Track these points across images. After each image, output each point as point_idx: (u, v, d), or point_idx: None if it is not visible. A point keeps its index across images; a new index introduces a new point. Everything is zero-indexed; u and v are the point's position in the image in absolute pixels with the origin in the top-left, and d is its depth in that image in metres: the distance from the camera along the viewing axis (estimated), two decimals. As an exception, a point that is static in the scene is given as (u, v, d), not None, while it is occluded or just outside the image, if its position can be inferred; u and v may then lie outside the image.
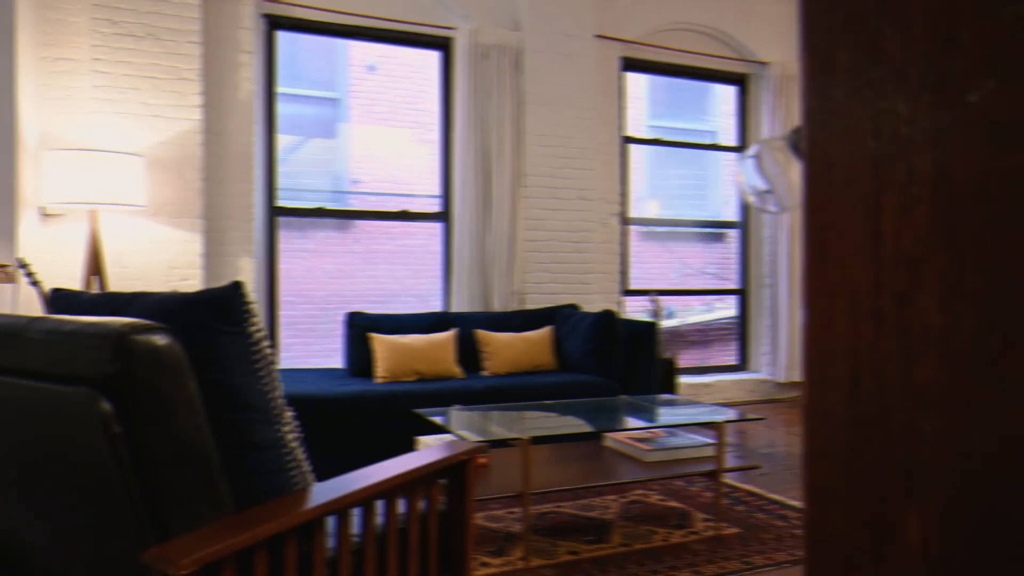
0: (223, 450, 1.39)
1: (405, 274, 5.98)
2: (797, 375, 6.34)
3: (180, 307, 1.40)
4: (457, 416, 3.01)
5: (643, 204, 6.66)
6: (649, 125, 6.92)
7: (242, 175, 4.53)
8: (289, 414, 1.51)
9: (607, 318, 4.41)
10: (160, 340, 1.27)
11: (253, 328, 1.42)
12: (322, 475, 3.63)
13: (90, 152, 3.72)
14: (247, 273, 4.56)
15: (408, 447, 3.77)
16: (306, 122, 5.92)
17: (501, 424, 2.92)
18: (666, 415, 3.20)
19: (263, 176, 4.84)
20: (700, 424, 2.99)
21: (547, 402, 3.50)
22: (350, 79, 6.22)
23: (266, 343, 1.46)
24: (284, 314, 5.41)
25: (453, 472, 1.81)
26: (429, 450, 1.78)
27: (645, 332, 4.48)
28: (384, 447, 3.72)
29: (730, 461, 3.16)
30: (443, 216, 5.47)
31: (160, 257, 4.21)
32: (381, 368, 4.13)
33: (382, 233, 6.00)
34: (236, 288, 1.42)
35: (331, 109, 6.24)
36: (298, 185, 5.63)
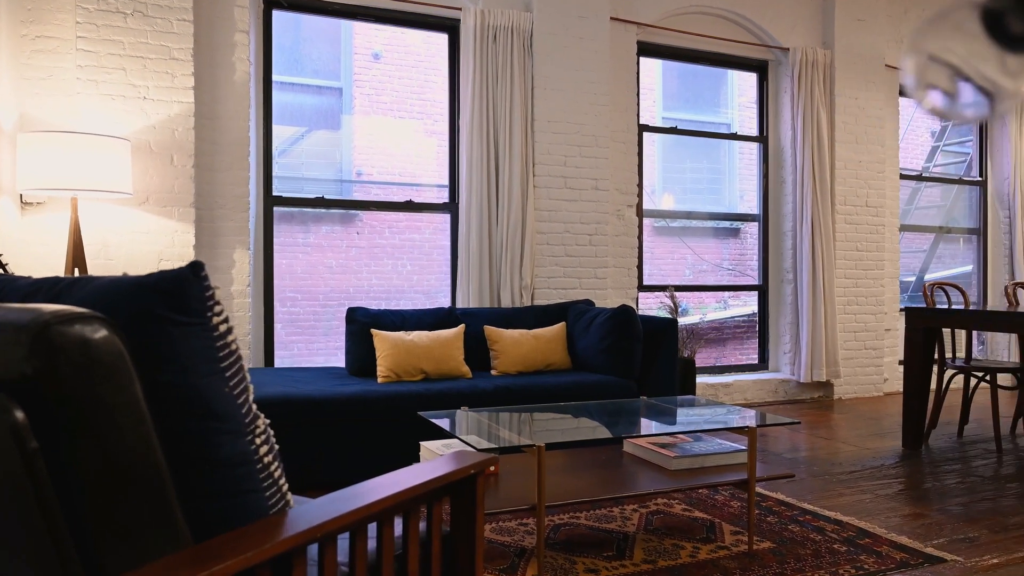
0: (180, 468, 1.14)
1: (411, 269, 5.76)
2: (820, 374, 6.06)
3: (126, 293, 1.14)
4: (464, 419, 2.75)
5: (656, 197, 6.39)
6: (663, 117, 6.66)
7: (236, 162, 4.28)
8: (263, 422, 1.25)
9: (624, 314, 4.14)
10: (93, 332, 1.02)
11: (217, 319, 1.16)
12: (317, 485, 3.39)
13: (69, 135, 3.47)
14: (242, 266, 4.31)
15: (412, 453, 3.52)
16: (309, 112, 5.68)
17: (512, 428, 2.66)
18: (691, 419, 2.93)
19: (259, 164, 4.59)
20: (730, 429, 2.72)
21: (561, 404, 3.24)
22: (354, 68, 5.99)
23: (233, 337, 1.20)
24: (286, 311, 5.19)
25: (459, 488, 1.55)
26: (432, 463, 1.52)
27: (664, 329, 4.21)
28: (386, 453, 3.47)
29: (758, 469, 2.90)
30: (449, 207, 5.21)
31: (148, 248, 3.96)
32: (383, 367, 3.87)
33: (387, 227, 5.78)
34: (195, 270, 1.16)
35: (335, 99, 6.01)
36: (300, 176, 5.40)
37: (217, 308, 1.16)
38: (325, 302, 5.55)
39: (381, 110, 5.92)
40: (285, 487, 1.26)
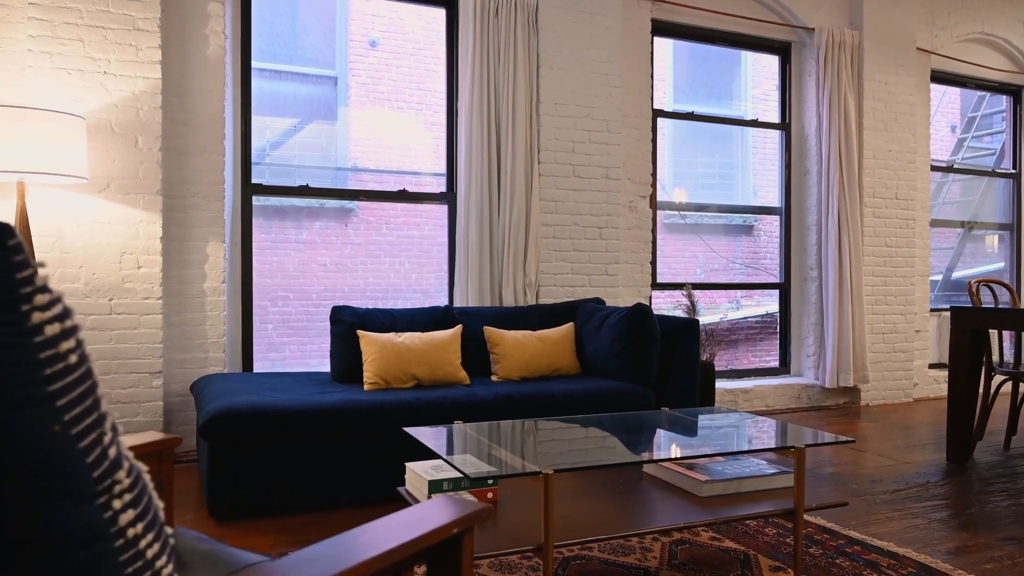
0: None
1: (410, 268, 5.38)
2: (847, 379, 5.62)
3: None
4: (458, 436, 2.32)
5: (667, 191, 5.97)
6: (673, 108, 6.23)
7: (210, 146, 3.86)
8: (132, 474, 0.83)
9: (640, 313, 3.71)
10: None
11: (40, 316, 0.74)
12: (290, 510, 2.96)
13: (13, 109, 3.05)
14: (216, 260, 3.89)
15: (401, 472, 3.10)
16: (302, 102, 5.28)
17: (513, 447, 2.24)
18: (723, 435, 2.51)
19: (236, 148, 4.17)
20: (776, 450, 2.30)
21: (570, 417, 2.82)
22: (350, 56, 5.59)
23: (74, 347, 0.77)
24: (278, 311, 4.82)
25: (439, 552, 1.13)
26: (402, 517, 1.10)
27: (683, 330, 3.78)
28: (371, 473, 3.05)
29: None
30: (447, 197, 4.79)
31: (109, 241, 3.55)
32: (370, 373, 3.45)
33: (384, 223, 5.40)
34: None
35: (329, 88, 5.61)
36: (291, 165, 5.01)
37: (40, 299, 0.74)
38: (318, 301, 5.17)
39: (378, 101, 5.53)
40: (163, 567, 0.84)
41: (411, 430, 2.33)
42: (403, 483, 3.13)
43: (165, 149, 3.72)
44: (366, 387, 3.43)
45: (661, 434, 2.59)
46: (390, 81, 5.60)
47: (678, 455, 2.27)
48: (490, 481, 2.28)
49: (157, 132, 3.62)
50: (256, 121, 4.48)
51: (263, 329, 4.99)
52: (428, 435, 2.31)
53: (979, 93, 7.29)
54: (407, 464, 2.34)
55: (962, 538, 2.89)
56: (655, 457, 2.23)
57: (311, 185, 4.51)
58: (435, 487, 2.16)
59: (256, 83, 4.41)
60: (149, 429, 3.61)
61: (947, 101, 7.31)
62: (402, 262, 5.38)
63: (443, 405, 3.20)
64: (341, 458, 3.01)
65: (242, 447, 2.84)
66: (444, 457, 2.01)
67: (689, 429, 2.65)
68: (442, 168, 4.90)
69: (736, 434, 2.56)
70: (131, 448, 1.70)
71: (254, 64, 4.40)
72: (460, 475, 2.18)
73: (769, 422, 2.73)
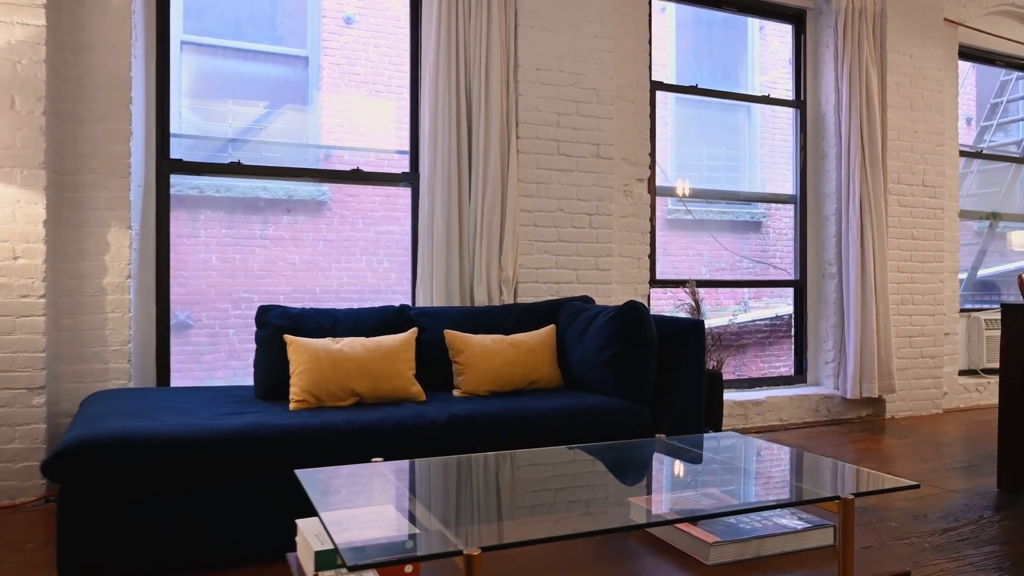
0: None
1: (388, 267, 4.79)
2: (871, 389, 4.94)
3: None
4: (371, 482, 1.66)
5: (670, 178, 5.31)
6: (675, 81, 5.58)
7: (113, 112, 3.19)
8: None
9: (632, 312, 3.04)
10: None
11: None
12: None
13: None
14: (120, 250, 3.22)
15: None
16: (270, 85, 4.68)
17: (445, 499, 1.58)
18: (738, 477, 1.85)
19: (150, 115, 3.51)
20: (816, 502, 1.64)
21: (539, 451, 2.15)
22: (323, 34, 5.00)
23: None
24: (239, 314, 4.31)
25: None
26: None
27: (686, 334, 3.11)
28: (276, 525, 2.37)
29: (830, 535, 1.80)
30: (409, 177, 4.12)
31: (-22, 224, 2.88)
32: (298, 387, 2.78)
33: (360, 217, 4.84)
34: None
35: (300, 70, 4.98)
36: (257, 155, 4.44)
37: None
38: (286, 304, 4.61)
39: (354, 83, 4.93)
40: None
41: (302, 473, 1.66)
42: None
43: (52, 113, 3.05)
44: (292, 406, 2.76)
45: (656, 475, 1.92)
46: (367, 62, 5.00)
47: (674, 514, 1.60)
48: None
49: (40, 92, 2.96)
50: (219, 105, 3.92)
51: (222, 335, 4.43)
52: (322, 481, 1.64)
53: (1003, 78, 6.64)
54: (297, 521, 1.67)
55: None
56: (645, 518, 1.56)
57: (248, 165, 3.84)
58: (324, 561, 1.49)
59: (214, 61, 3.80)
60: (27, 459, 2.94)
61: (962, 92, 6.65)
62: (381, 260, 4.81)
63: (383, 430, 2.53)
64: (240, 503, 2.33)
65: (102, 490, 2.16)
66: (323, 522, 1.33)
67: (692, 466, 1.98)
68: (405, 145, 4.24)
69: (755, 474, 1.89)
70: None
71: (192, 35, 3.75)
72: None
73: (797, 454, 2.05)
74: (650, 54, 4.56)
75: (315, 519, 1.67)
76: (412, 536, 1.32)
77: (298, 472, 1.65)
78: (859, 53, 4.99)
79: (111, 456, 2.14)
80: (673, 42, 5.79)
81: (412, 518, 1.42)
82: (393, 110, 4.77)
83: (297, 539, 1.68)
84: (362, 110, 4.73)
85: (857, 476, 1.85)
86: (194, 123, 4.29)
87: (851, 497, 1.65)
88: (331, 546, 1.51)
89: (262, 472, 2.35)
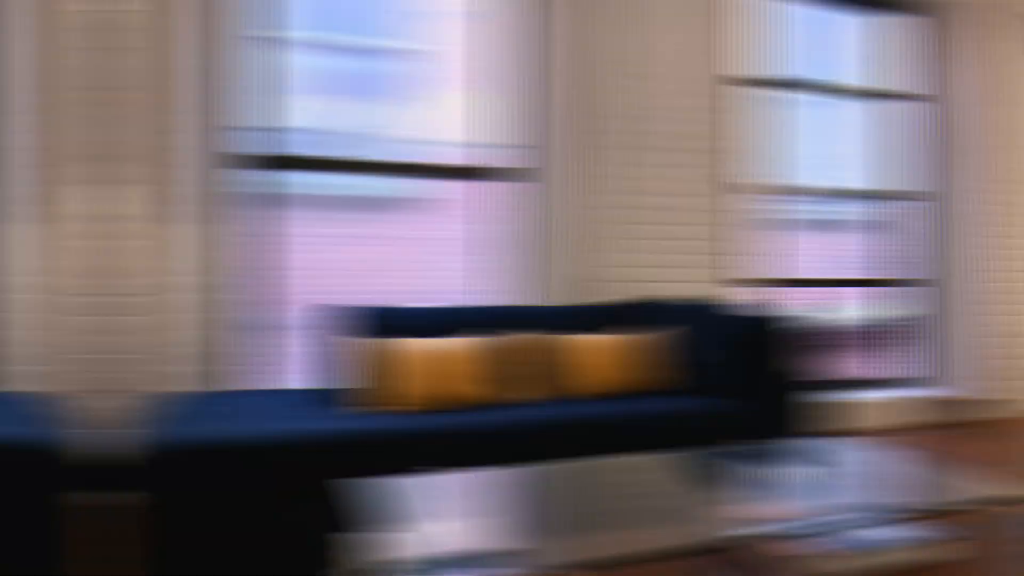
0: None
1: (464, 266, 4.78)
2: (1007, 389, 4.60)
3: None
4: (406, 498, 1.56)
5: (779, 175, 5.06)
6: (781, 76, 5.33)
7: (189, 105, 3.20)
8: None
9: (758, 317, 2.86)
10: None
11: None
12: None
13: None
14: (200, 250, 3.22)
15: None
16: (380, 81, 4.73)
17: (524, 520, 1.47)
18: (867, 482, 1.65)
19: (251, 110, 3.50)
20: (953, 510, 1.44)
21: (641, 457, 2.01)
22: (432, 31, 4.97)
23: None
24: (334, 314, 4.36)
25: None
26: None
27: (800, 335, 2.90)
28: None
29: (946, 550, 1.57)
30: (525, 174, 4.02)
31: None
32: (374, 391, 2.72)
33: (461, 215, 4.79)
34: None
35: (409, 66, 5.04)
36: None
37: None
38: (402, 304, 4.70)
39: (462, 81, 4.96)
40: None
41: (405, 480, 1.57)
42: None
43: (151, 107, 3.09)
44: (350, 410, 2.70)
45: (780, 483, 1.75)
46: (482, 58, 5.04)
47: (805, 527, 1.43)
48: None
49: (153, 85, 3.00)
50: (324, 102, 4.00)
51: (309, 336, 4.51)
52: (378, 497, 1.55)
53: None
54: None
55: None
56: (746, 529, 1.40)
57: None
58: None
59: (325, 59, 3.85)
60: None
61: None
62: (453, 260, 4.80)
63: (461, 433, 2.42)
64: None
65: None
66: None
67: (816, 474, 1.79)
68: (510, 141, 4.15)
69: (873, 482, 1.69)
70: None
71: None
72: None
73: (923, 461, 1.83)
74: (749, 50, 4.35)
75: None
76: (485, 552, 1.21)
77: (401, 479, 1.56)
78: (999, 47, 4.71)
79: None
80: (785, 36, 5.54)
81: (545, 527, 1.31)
82: (501, 106, 4.74)
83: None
84: (473, 107, 4.70)
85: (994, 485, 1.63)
86: (303, 119, 4.33)
87: (999, 507, 1.44)
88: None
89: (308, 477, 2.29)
